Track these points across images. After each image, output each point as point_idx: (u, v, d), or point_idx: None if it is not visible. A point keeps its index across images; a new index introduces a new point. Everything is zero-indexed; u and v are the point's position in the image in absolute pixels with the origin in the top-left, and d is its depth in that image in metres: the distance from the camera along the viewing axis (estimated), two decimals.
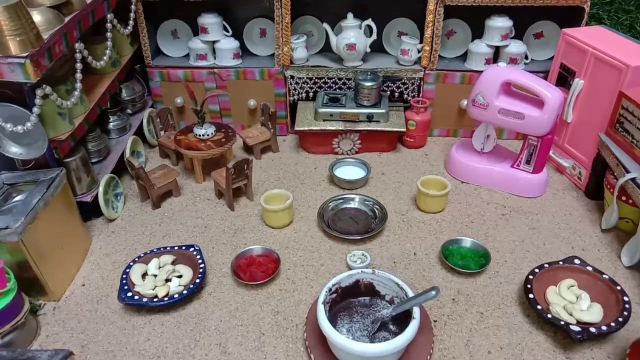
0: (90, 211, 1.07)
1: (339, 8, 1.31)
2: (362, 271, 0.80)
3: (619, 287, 0.85)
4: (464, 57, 1.33)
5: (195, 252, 0.95)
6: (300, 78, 1.33)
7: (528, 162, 1.13)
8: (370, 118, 1.27)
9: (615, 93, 1.01)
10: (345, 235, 1.01)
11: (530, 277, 0.88)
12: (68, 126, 1.01)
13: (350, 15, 1.27)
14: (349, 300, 0.82)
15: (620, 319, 0.78)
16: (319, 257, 0.98)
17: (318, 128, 1.27)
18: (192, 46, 1.32)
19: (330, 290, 0.77)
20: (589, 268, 0.89)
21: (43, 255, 0.86)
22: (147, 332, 0.84)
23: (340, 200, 1.11)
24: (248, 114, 1.38)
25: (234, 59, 1.33)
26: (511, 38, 1.28)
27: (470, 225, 1.07)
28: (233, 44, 1.32)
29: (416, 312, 0.72)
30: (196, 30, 1.33)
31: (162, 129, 1.30)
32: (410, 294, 0.76)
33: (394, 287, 0.79)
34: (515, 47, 1.27)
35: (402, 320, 0.76)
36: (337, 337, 0.69)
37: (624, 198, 0.98)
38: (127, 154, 1.18)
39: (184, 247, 0.97)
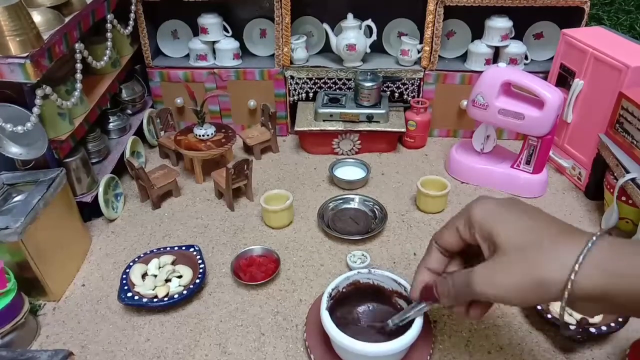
0: (90, 211, 1.07)
1: (339, 8, 1.31)
2: (358, 272, 0.81)
3: None
4: (463, 57, 1.33)
5: (195, 253, 0.96)
6: (300, 78, 1.33)
7: (528, 162, 1.13)
8: (370, 118, 1.27)
9: (615, 93, 1.01)
10: (345, 236, 1.01)
11: None
12: (68, 126, 1.01)
13: (350, 15, 1.27)
14: (349, 301, 0.82)
15: (620, 319, 0.78)
16: (319, 258, 0.98)
17: (318, 128, 1.27)
18: (192, 46, 1.32)
19: (330, 295, 0.78)
20: None
21: (43, 256, 0.86)
22: (147, 333, 0.84)
23: (340, 201, 1.11)
24: (248, 114, 1.38)
25: (234, 59, 1.33)
26: (511, 38, 1.28)
27: None
28: (233, 44, 1.32)
29: None
30: (196, 31, 1.33)
31: (162, 129, 1.30)
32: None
33: (392, 283, 0.79)
34: (515, 48, 1.28)
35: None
36: (344, 339, 0.69)
37: (623, 198, 0.98)
38: (127, 154, 1.18)
39: (184, 248, 0.97)
